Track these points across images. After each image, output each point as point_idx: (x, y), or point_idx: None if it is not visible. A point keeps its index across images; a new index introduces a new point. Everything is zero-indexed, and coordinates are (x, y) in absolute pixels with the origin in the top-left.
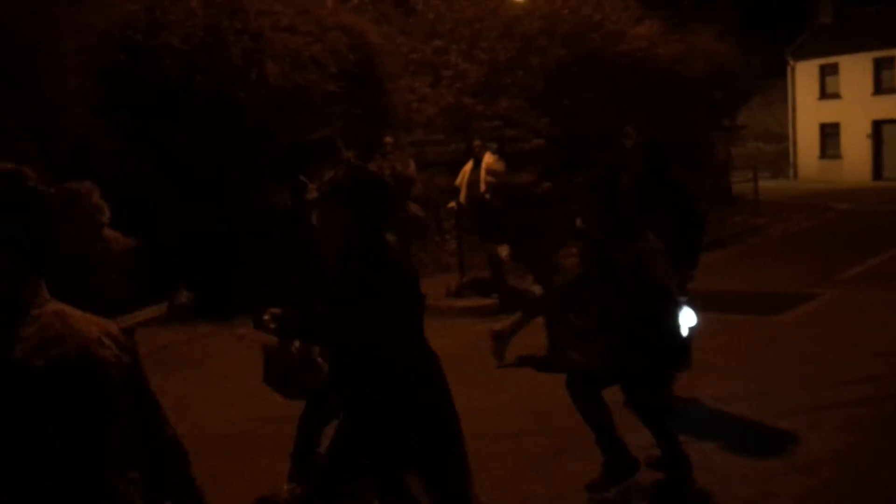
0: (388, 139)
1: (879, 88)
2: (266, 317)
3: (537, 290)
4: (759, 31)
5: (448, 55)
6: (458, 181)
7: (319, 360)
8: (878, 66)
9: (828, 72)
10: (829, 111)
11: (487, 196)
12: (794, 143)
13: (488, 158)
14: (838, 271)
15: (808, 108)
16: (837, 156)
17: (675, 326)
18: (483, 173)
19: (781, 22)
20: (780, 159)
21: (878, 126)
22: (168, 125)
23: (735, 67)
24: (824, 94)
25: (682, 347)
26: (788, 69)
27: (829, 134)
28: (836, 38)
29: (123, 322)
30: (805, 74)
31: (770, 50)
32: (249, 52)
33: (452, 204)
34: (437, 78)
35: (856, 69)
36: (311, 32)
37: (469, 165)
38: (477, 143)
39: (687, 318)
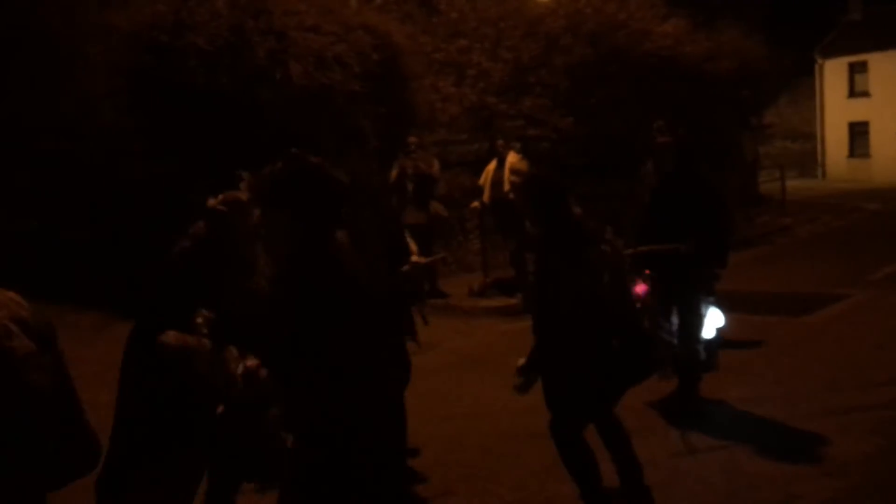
0: (413, 139)
1: None
2: (199, 319)
3: None
4: (787, 29)
5: (471, 54)
6: (481, 181)
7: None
8: None
9: (857, 70)
10: (858, 110)
11: (511, 196)
12: (822, 142)
13: (512, 158)
14: (868, 272)
15: (836, 107)
16: (866, 155)
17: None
18: (507, 173)
19: (810, 19)
20: (808, 158)
21: None
22: (194, 125)
23: (763, 66)
24: (853, 93)
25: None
26: (816, 67)
27: (858, 133)
28: (865, 35)
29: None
30: (833, 72)
31: (798, 48)
32: (274, 53)
33: (476, 203)
34: (460, 77)
35: (885, 67)
36: (335, 32)
37: (492, 165)
38: (500, 142)
39: (714, 320)
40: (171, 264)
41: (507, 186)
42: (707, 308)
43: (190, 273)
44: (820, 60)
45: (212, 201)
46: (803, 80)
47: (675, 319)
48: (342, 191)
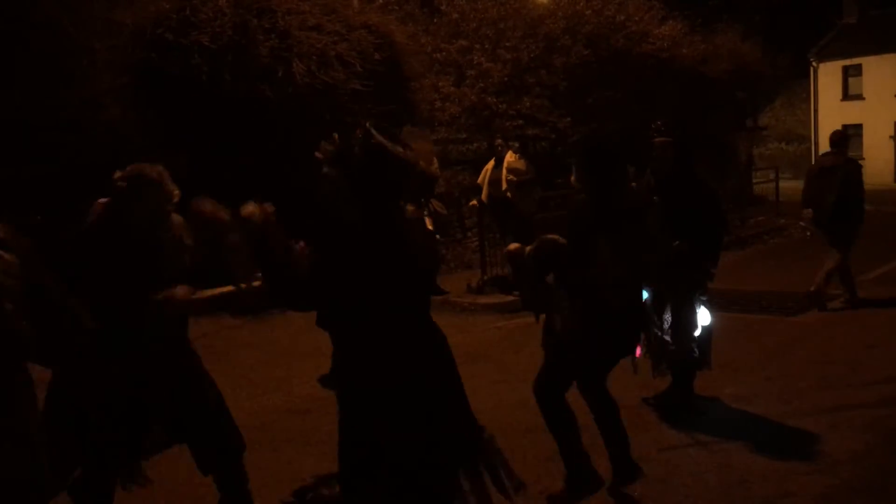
0: (409, 127)
1: None
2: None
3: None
4: (783, 32)
5: (472, 54)
6: (480, 179)
7: None
8: None
9: (851, 73)
10: (852, 112)
11: (509, 194)
12: (817, 144)
13: (510, 157)
14: (861, 272)
15: (830, 109)
16: (860, 157)
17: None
18: (504, 172)
19: (806, 22)
20: (802, 160)
21: None
22: (198, 121)
23: (759, 68)
24: (847, 96)
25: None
26: (811, 70)
27: (852, 135)
28: (860, 39)
29: (197, 294)
30: (828, 75)
31: (794, 50)
32: (277, 51)
33: (474, 202)
34: (460, 77)
35: (879, 70)
36: (337, 32)
37: (491, 164)
38: (499, 141)
39: (702, 318)
40: (74, 243)
41: (504, 185)
42: (699, 306)
43: (92, 250)
44: (815, 63)
45: (116, 174)
46: (799, 82)
47: (667, 317)
48: (404, 168)
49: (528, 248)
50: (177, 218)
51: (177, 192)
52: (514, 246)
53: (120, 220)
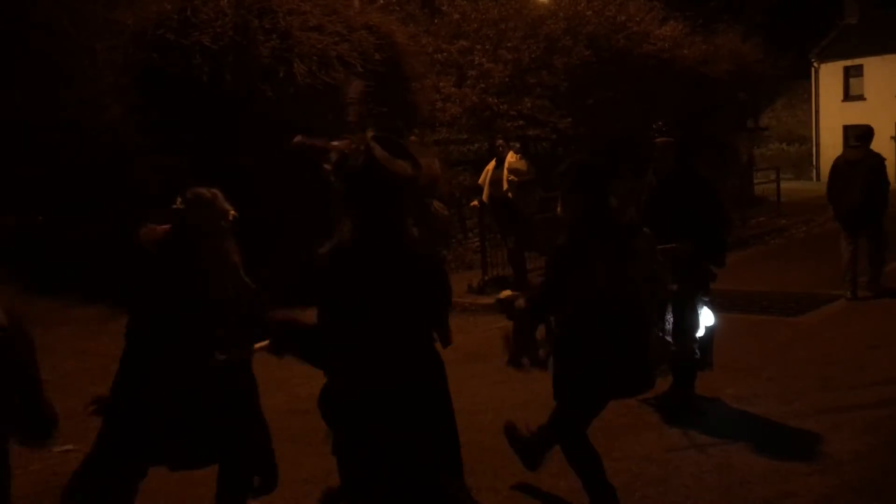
0: (414, 138)
1: None
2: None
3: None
4: (784, 33)
5: (473, 55)
6: (480, 180)
7: None
8: None
9: (852, 73)
10: (853, 113)
11: (510, 194)
12: (818, 145)
13: (511, 157)
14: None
15: (831, 110)
16: None
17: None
18: (505, 172)
19: (807, 23)
20: (803, 160)
21: None
22: (199, 122)
23: (760, 69)
24: (848, 96)
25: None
26: (812, 70)
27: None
28: (861, 39)
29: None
30: (829, 76)
31: (795, 51)
32: (278, 52)
33: (475, 202)
34: (461, 77)
35: (881, 71)
36: (338, 32)
37: (492, 164)
38: (500, 142)
39: (705, 318)
40: (142, 268)
41: (505, 186)
42: (701, 306)
43: (162, 272)
44: (816, 64)
45: (176, 201)
46: (800, 83)
47: (669, 317)
48: (402, 184)
49: (519, 300)
50: (233, 245)
51: (232, 211)
52: (505, 293)
53: (181, 237)
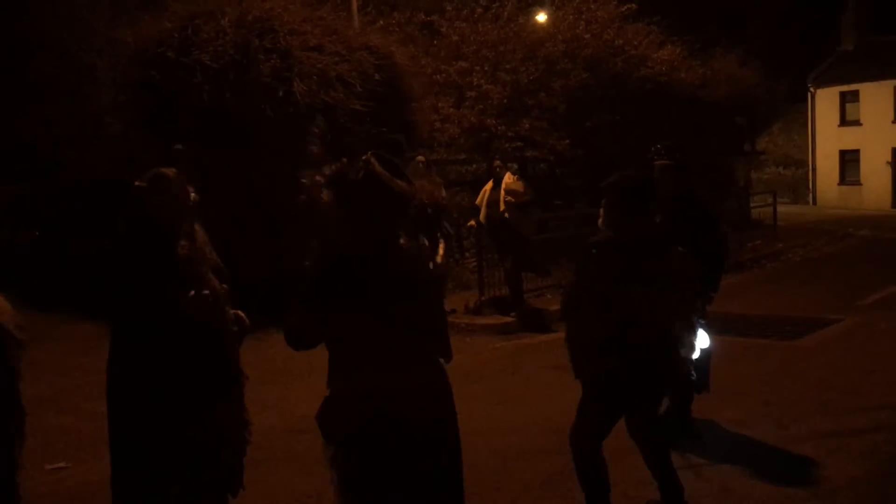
0: (421, 158)
1: None
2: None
3: None
4: (781, 58)
5: (472, 76)
6: (478, 200)
7: None
8: None
9: (848, 98)
10: (850, 138)
11: (507, 215)
12: (814, 169)
13: (508, 178)
14: (859, 297)
15: (828, 135)
16: (857, 182)
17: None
18: (502, 193)
19: (804, 49)
20: (800, 185)
21: None
22: (199, 140)
23: (757, 93)
24: (844, 121)
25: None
26: (809, 95)
27: (849, 160)
28: (857, 65)
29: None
30: (826, 101)
31: (792, 76)
32: (278, 71)
33: (472, 222)
34: (460, 98)
35: (877, 96)
36: (338, 52)
37: (489, 185)
38: (497, 163)
39: (700, 341)
40: (112, 252)
41: (502, 206)
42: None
43: (127, 254)
44: (812, 89)
45: (136, 182)
46: (797, 107)
47: (690, 338)
48: (397, 198)
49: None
50: (200, 230)
51: (194, 193)
52: None
53: (143, 214)
